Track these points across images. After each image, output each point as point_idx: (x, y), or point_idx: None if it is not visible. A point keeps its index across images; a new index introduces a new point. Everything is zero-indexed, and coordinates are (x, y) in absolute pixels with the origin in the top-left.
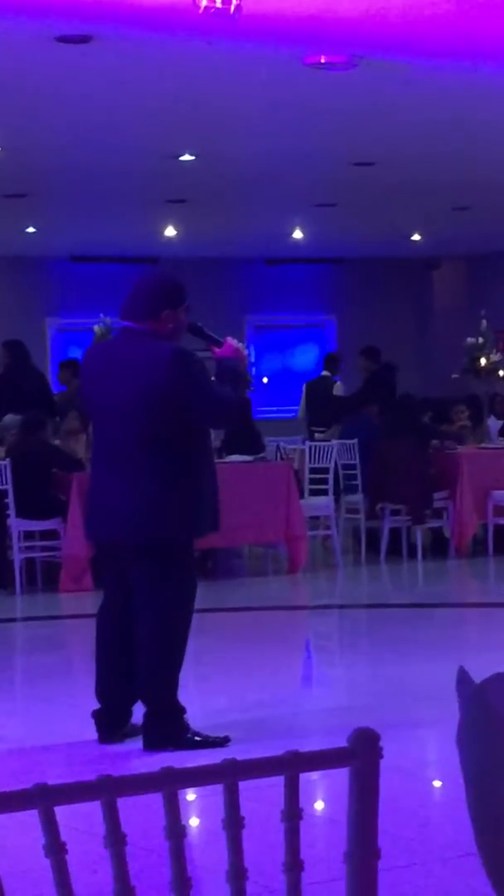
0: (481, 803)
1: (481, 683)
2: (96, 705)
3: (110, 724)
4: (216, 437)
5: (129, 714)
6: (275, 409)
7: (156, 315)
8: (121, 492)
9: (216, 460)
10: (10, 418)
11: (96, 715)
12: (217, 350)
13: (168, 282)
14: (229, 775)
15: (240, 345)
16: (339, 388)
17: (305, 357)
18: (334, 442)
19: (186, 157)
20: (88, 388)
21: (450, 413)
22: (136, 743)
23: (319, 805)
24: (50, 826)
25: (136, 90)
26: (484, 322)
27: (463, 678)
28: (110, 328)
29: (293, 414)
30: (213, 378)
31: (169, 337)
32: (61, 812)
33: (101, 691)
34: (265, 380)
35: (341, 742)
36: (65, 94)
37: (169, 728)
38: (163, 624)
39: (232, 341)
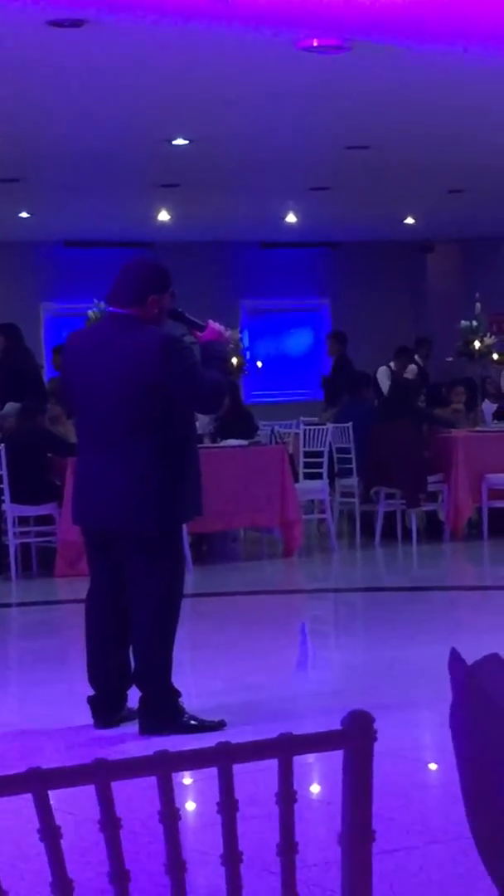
0: (474, 785)
1: (473, 665)
2: (88, 690)
3: (106, 710)
4: (210, 422)
5: (124, 699)
6: (269, 392)
7: (142, 300)
8: (108, 477)
9: (210, 445)
10: (10, 406)
11: (92, 701)
12: (200, 334)
13: (154, 267)
14: (223, 758)
15: (221, 327)
16: (411, 372)
17: (300, 341)
18: (329, 425)
19: (180, 142)
20: (73, 375)
21: (449, 394)
22: (132, 727)
23: (314, 788)
24: (44, 810)
25: (128, 74)
26: (478, 305)
27: (455, 659)
28: (105, 313)
29: (287, 398)
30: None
31: (154, 321)
32: (56, 796)
33: (94, 677)
34: (259, 364)
35: (336, 725)
36: (57, 78)
37: (164, 712)
38: (154, 609)
39: (214, 324)
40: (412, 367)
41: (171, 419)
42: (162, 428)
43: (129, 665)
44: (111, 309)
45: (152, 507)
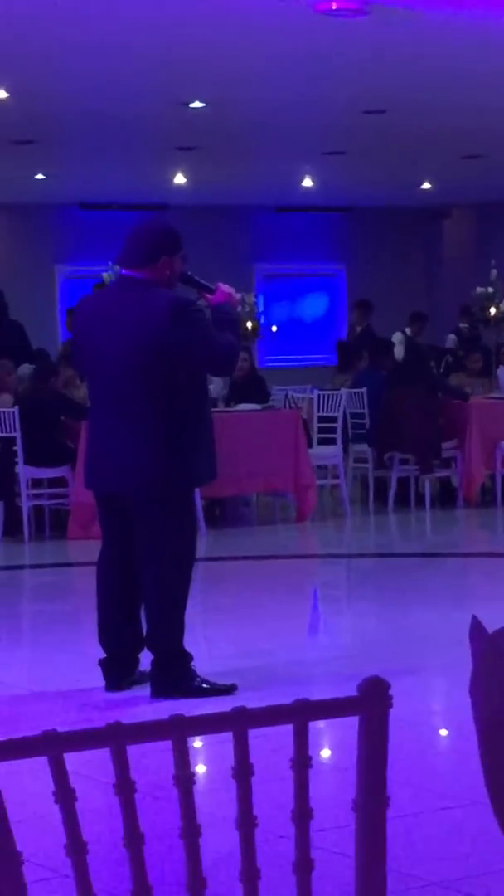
0: (494, 752)
1: (495, 633)
2: (101, 653)
3: (117, 672)
4: (224, 387)
5: (135, 661)
6: (283, 357)
7: (153, 262)
8: (118, 441)
9: (224, 409)
10: (24, 368)
11: (103, 663)
12: (210, 297)
13: (165, 229)
14: (239, 723)
15: (231, 289)
16: (451, 341)
17: (314, 306)
18: (343, 391)
19: (196, 105)
20: (84, 338)
21: (465, 361)
22: (144, 690)
23: (325, 753)
24: (59, 773)
25: (146, 37)
26: (494, 271)
27: (476, 627)
28: (117, 276)
29: (301, 363)
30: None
31: (166, 284)
32: (70, 759)
33: (105, 640)
34: (274, 329)
35: (347, 690)
36: (74, 40)
37: (176, 675)
38: (166, 572)
39: (223, 286)
40: (451, 337)
41: (183, 383)
42: (173, 392)
43: (141, 629)
44: (123, 272)
45: (163, 469)
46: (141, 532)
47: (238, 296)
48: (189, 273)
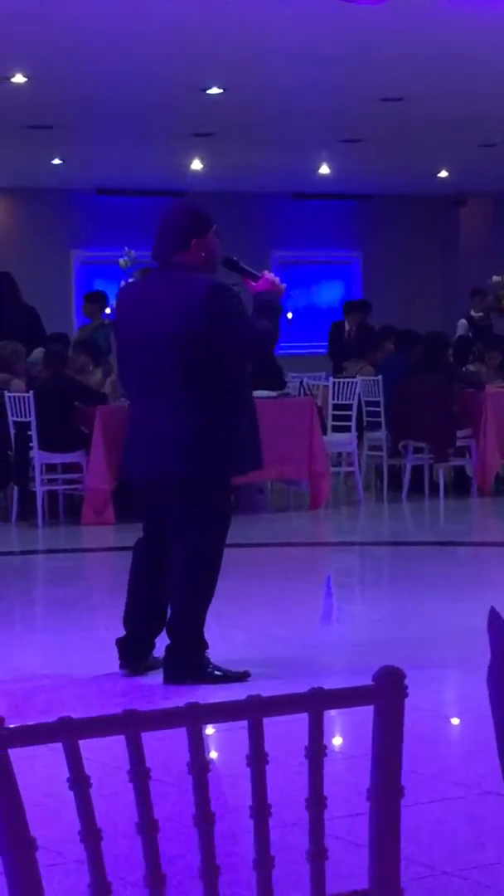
0: None
1: None
2: (116, 637)
3: (133, 653)
4: None
5: (151, 646)
6: (299, 344)
7: (185, 246)
8: (161, 428)
9: None
10: (38, 353)
11: (120, 643)
12: (253, 284)
13: (190, 210)
14: (254, 711)
15: (276, 278)
16: (462, 327)
17: (331, 293)
18: (358, 378)
19: (214, 91)
20: (124, 326)
21: (483, 356)
22: (157, 677)
23: (338, 741)
24: (75, 760)
25: (164, 22)
26: None
27: (494, 618)
28: (135, 261)
29: (317, 350)
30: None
31: (203, 267)
32: (83, 745)
33: (128, 619)
34: (290, 315)
35: (361, 679)
36: (92, 24)
37: (190, 662)
38: (196, 560)
39: (269, 275)
40: (462, 323)
41: (222, 369)
42: (213, 378)
43: (164, 614)
44: (158, 263)
45: (203, 457)
46: (175, 518)
47: (283, 286)
48: (234, 258)
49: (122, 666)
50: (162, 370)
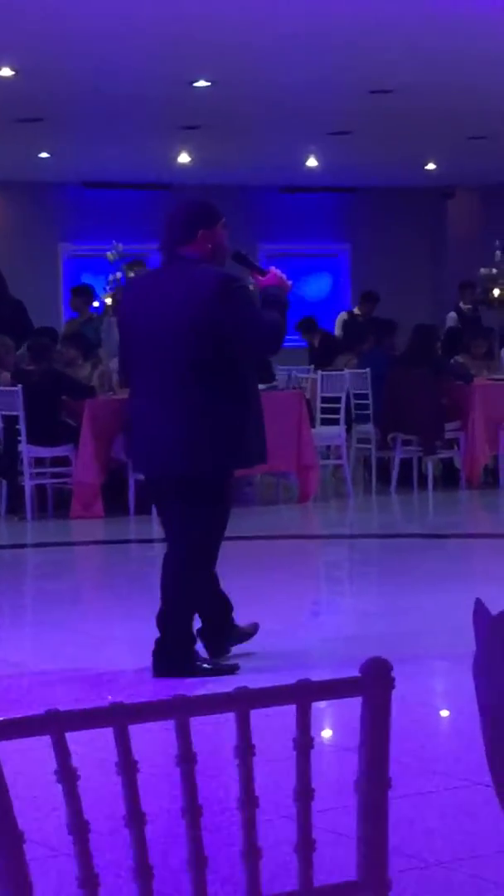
0: (497, 733)
1: (498, 614)
2: (103, 632)
3: (216, 640)
4: None
5: (230, 626)
6: (287, 337)
7: (192, 238)
8: (166, 422)
9: None
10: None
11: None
12: (261, 279)
13: (197, 203)
14: (242, 703)
15: (283, 275)
16: (451, 319)
17: (319, 286)
18: (346, 371)
19: (202, 83)
20: (129, 319)
21: (469, 346)
22: (144, 670)
23: (326, 733)
24: (62, 752)
25: (152, 15)
26: (498, 253)
27: (479, 609)
28: (123, 255)
29: (305, 343)
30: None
31: (210, 259)
32: (71, 738)
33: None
34: None
35: (350, 671)
36: (80, 18)
37: (178, 655)
38: (193, 556)
39: (276, 270)
40: (452, 315)
41: (230, 363)
42: (220, 372)
43: (223, 594)
44: (163, 255)
45: (209, 452)
46: (175, 510)
47: (290, 282)
48: (243, 252)
49: (210, 656)
50: (170, 363)
